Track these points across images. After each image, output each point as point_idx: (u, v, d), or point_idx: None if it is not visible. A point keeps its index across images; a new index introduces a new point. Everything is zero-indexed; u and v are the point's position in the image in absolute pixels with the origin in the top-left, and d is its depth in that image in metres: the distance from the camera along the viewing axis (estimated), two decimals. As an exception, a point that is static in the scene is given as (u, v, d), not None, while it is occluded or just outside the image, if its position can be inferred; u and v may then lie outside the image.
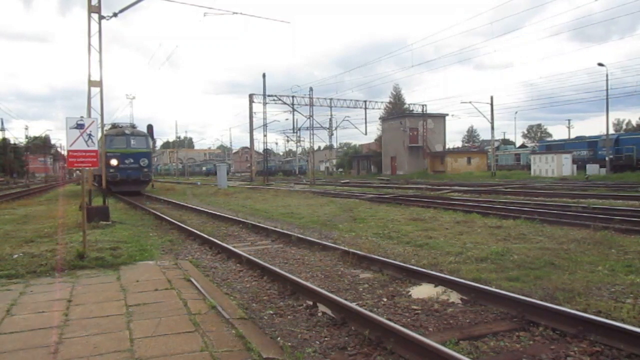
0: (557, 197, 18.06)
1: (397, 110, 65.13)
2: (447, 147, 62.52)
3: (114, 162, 25.30)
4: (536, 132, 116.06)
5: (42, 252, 7.82)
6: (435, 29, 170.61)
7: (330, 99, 50.76)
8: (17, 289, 5.71)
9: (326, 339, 4.19)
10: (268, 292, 5.78)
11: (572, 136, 65.51)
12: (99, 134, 9.92)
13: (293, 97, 48.58)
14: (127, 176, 25.77)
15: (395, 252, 7.99)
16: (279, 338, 4.20)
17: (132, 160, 26.01)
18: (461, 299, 5.15)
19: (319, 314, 4.83)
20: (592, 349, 3.74)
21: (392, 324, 4.03)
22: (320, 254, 7.99)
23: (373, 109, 54.60)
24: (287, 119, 56.35)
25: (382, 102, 60.78)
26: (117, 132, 27.33)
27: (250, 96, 48.24)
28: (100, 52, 13.38)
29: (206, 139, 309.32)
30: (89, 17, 13.28)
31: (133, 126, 29.27)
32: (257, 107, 66.41)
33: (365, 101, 52.69)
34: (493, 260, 6.97)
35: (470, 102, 52.02)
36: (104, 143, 23.58)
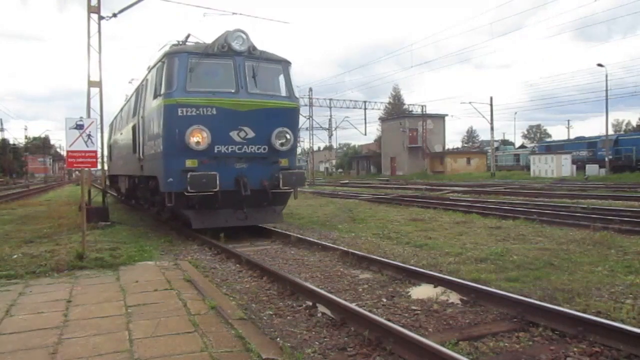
0: (557, 197, 18.06)
1: (396, 111, 65.20)
2: (446, 147, 62.53)
3: (195, 138, 9.05)
4: (536, 133, 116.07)
5: (41, 253, 7.82)
6: (435, 29, 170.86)
7: (330, 99, 51.00)
8: (16, 289, 5.71)
9: (326, 339, 4.19)
10: (267, 292, 5.78)
11: (572, 137, 65.59)
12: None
13: (293, 97, 48.40)
14: (238, 180, 9.33)
15: (395, 252, 7.99)
16: (278, 338, 4.20)
17: (252, 133, 9.54)
18: (461, 300, 5.15)
19: (319, 315, 4.83)
20: (591, 350, 3.74)
21: (391, 324, 4.03)
22: (319, 254, 7.98)
23: (372, 109, 54.74)
24: (286, 120, 56.27)
25: (381, 102, 61.05)
26: (207, 49, 9.54)
27: (250, 96, 47.98)
28: (100, 52, 13.38)
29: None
30: (89, 17, 13.27)
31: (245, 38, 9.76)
32: (257, 108, 66.26)
33: (364, 101, 52.91)
34: (492, 260, 6.97)
35: (470, 103, 52.30)
36: (152, 81, 10.22)
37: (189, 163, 9.04)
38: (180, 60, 9.30)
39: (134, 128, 12.44)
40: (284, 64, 10.41)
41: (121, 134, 15.64)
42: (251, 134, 9.50)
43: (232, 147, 9.37)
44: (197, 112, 9.05)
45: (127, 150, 14.07)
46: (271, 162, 9.84)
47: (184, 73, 9.16)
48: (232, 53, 9.55)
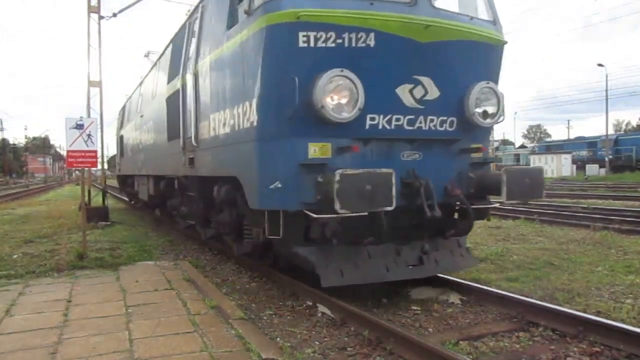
0: (557, 197, 18.07)
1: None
2: (446, 147, 62.49)
3: (334, 98, 4.27)
4: (536, 133, 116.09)
5: (41, 253, 7.82)
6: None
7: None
8: (16, 289, 5.70)
9: (325, 339, 4.19)
10: (268, 292, 5.78)
11: (572, 136, 65.67)
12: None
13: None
14: (411, 187, 4.61)
15: (395, 252, 7.97)
16: (278, 338, 4.20)
17: (435, 92, 4.67)
18: (461, 300, 5.15)
19: (319, 315, 4.83)
20: (591, 350, 3.74)
21: (391, 324, 4.03)
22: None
23: (372, 109, 54.58)
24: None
25: (381, 102, 60.77)
26: None
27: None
28: (100, 52, 13.38)
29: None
30: (89, 17, 13.27)
31: None
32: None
33: (364, 101, 52.69)
34: (493, 260, 6.97)
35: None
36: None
37: (315, 151, 4.51)
38: None
39: (170, 100, 7.69)
40: None
41: (142, 116, 10.88)
42: (434, 93, 4.78)
43: (399, 119, 4.70)
44: (338, 41, 4.34)
45: (153, 138, 9.47)
46: (459, 149, 5.16)
47: None
48: None
